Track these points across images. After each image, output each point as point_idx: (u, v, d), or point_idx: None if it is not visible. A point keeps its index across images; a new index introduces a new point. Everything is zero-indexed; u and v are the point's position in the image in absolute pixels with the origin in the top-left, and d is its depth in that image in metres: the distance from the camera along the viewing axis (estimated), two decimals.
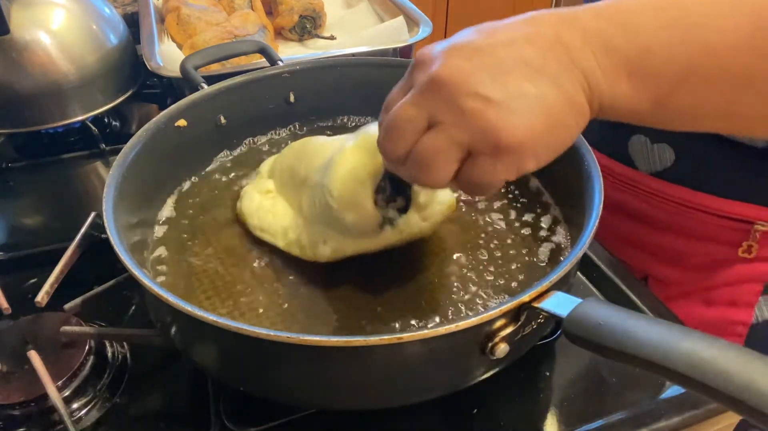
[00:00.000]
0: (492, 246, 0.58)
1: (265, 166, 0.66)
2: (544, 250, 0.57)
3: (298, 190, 0.59)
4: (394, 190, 0.52)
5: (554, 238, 0.58)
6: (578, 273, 0.65)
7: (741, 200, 0.63)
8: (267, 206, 0.60)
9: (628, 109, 0.39)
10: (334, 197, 0.51)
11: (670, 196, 0.67)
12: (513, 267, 0.55)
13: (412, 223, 0.54)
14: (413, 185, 0.52)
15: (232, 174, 0.68)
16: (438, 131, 0.38)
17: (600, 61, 0.38)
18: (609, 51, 0.38)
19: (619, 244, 0.73)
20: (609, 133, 0.70)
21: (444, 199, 0.56)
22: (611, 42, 0.38)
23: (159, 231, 0.60)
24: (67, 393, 0.52)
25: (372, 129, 0.51)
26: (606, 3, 0.39)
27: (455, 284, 0.54)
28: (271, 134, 0.73)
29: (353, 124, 0.75)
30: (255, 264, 0.57)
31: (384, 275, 0.55)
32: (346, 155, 0.51)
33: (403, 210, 0.53)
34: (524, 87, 0.36)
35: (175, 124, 0.63)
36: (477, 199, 0.63)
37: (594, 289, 0.64)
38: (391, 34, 0.97)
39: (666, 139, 0.66)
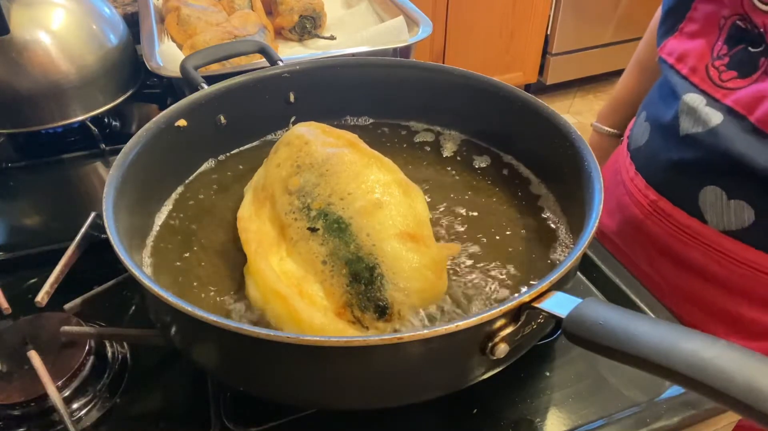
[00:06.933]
0: (491, 245, 0.58)
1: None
2: (544, 250, 0.57)
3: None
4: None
5: (554, 238, 0.58)
6: (578, 273, 0.65)
7: None
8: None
9: None
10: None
11: (744, 259, 0.61)
12: (512, 267, 0.55)
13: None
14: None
15: (232, 174, 0.68)
16: None
17: None
18: None
19: (683, 302, 0.67)
20: (677, 179, 0.64)
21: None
22: None
23: (159, 230, 0.60)
24: (67, 393, 0.52)
25: None
26: None
27: (454, 279, 0.54)
28: (272, 134, 0.73)
29: (353, 123, 0.75)
30: None
31: None
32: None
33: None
34: None
35: (175, 124, 0.63)
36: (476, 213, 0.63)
37: (594, 289, 0.64)
38: (391, 34, 0.97)
39: (746, 196, 0.59)
